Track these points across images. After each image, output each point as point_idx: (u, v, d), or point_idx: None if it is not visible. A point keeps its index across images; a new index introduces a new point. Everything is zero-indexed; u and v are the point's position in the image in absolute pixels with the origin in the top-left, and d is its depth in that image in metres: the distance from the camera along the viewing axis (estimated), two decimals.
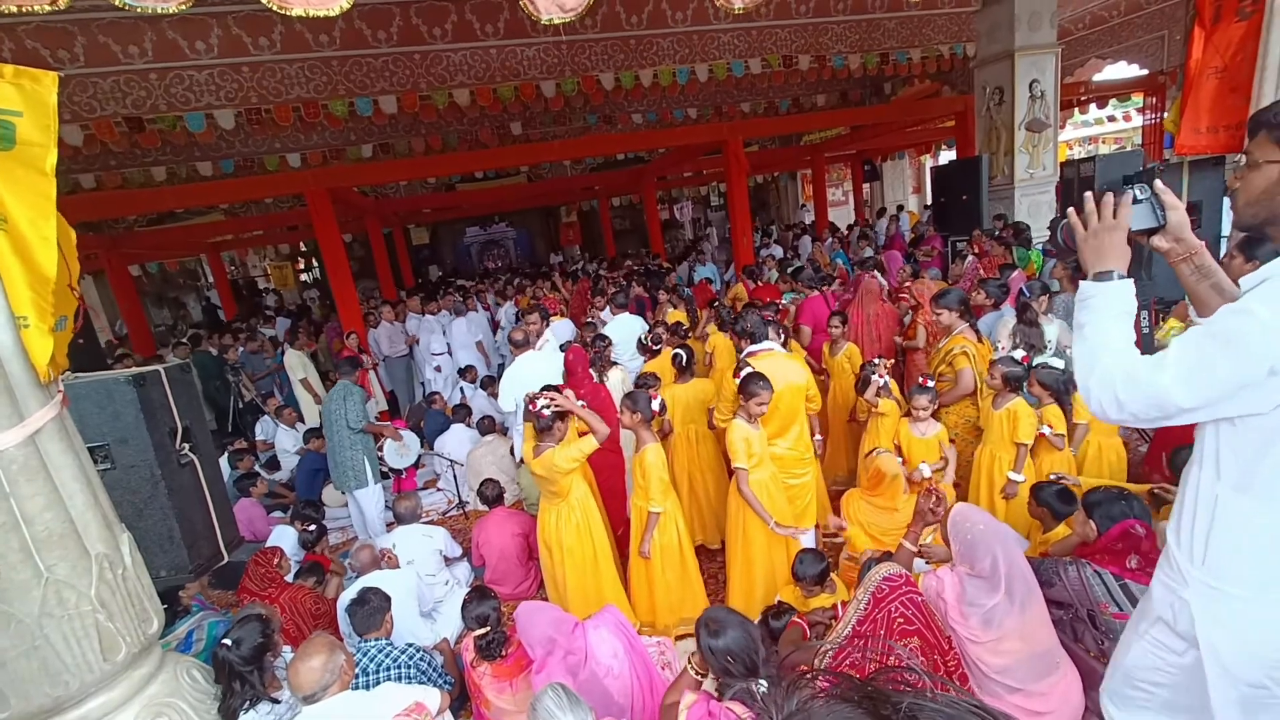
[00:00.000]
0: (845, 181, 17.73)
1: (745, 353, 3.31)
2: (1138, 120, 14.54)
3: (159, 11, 1.76)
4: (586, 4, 2.22)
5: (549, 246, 18.61)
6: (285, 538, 3.85)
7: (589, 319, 6.21)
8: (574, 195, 16.13)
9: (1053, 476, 2.82)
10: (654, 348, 4.38)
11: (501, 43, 7.07)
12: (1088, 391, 1.18)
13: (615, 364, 4.41)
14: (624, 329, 5.21)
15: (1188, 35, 4.27)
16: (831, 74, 8.92)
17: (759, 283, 7.10)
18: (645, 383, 3.74)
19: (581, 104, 8.68)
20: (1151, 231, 1.25)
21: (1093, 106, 13.31)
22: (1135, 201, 1.22)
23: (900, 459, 3.18)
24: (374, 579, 2.96)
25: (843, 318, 4.27)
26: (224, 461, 5.05)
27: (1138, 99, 12.69)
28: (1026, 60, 6.66)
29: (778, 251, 11.55)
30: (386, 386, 7.81)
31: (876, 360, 3.56)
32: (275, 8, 1.84)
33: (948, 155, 15.00)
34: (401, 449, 4.97)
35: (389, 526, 4.08)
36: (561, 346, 4.90)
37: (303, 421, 6.32)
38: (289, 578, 3.22)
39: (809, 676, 0.37)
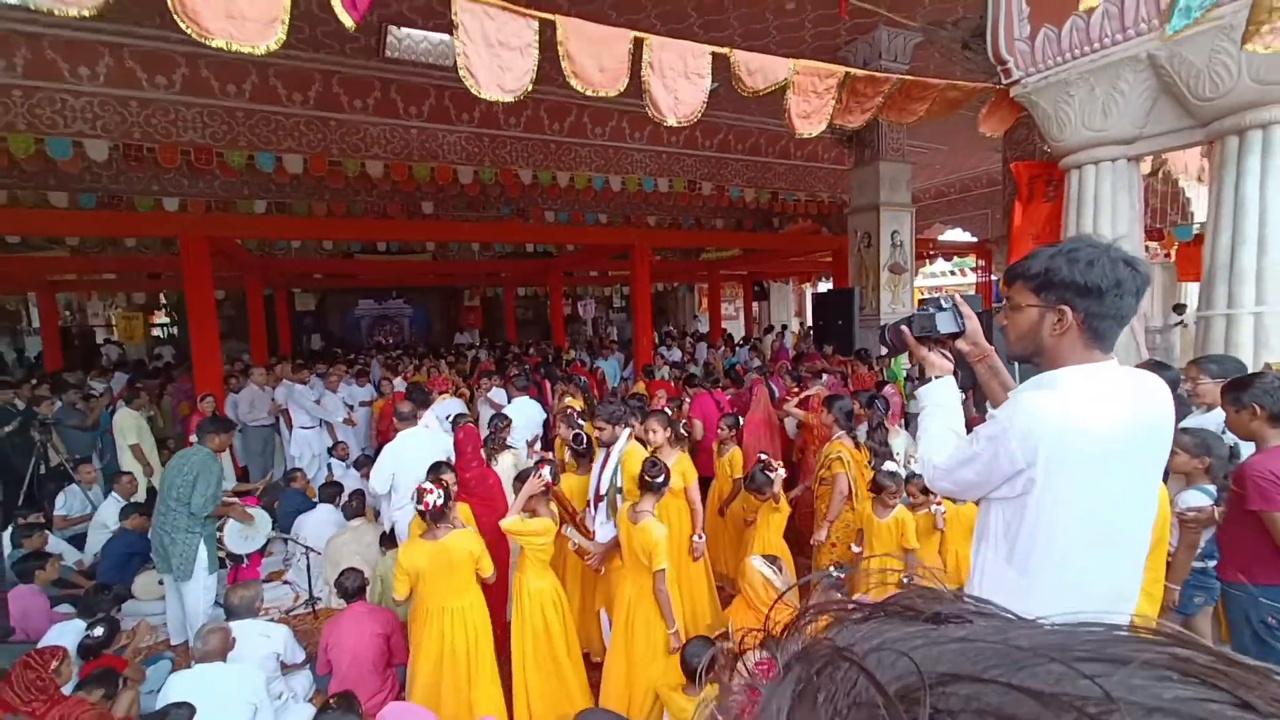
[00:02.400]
0: (738, 298, 19.21)
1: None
2: (972, 277, 17.41)
3: (60, 12, 1.62)
4: (525, 89, 2.34)
5: (447, 327, 18.13)
6: (70, 634, 3.09)
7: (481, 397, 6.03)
8: (479, 279, 16.09)
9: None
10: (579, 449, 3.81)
11: (423, 124, 7.22)
12: (921, 466, 1.45)
13: (509, 447, 4.22)
14: (523, 412, 5.07)
15: (1009, 207, 5.25)
16: (729, 202, 9.96)
17: (652, 380, 7.32)
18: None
19: (498, 194, 8.92)
20: (954, 335, 1.49)
21: (940, 260, 15.80)
22: (941, 309, 1.47)
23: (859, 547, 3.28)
24: (206, 674, 2.43)
25: (733, 421, 4.40)
26: (5, 538, 4.09)
27: (971, 259, 15.26)
28: (889, 213, 7.82)
29: (674, 355, 12.04)
30: (240, 460, 6.89)
31: (763, 455, 3.68)
32: (194, 35, 1.76)
33: (825, 285, 16.83)
34: (246, 531, 4.28)
35: None
36: (454, 423, 4.65)
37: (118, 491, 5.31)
38: (67, 688, 2.55)
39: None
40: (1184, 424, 2.88)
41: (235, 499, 4.81)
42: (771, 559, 2.75)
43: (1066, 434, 1.20)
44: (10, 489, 5.88)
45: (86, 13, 1.70)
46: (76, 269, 11.18)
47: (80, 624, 3.21)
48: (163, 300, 15.13)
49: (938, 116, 4.06)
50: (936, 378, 1.50)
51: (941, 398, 1.48)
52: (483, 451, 4.08)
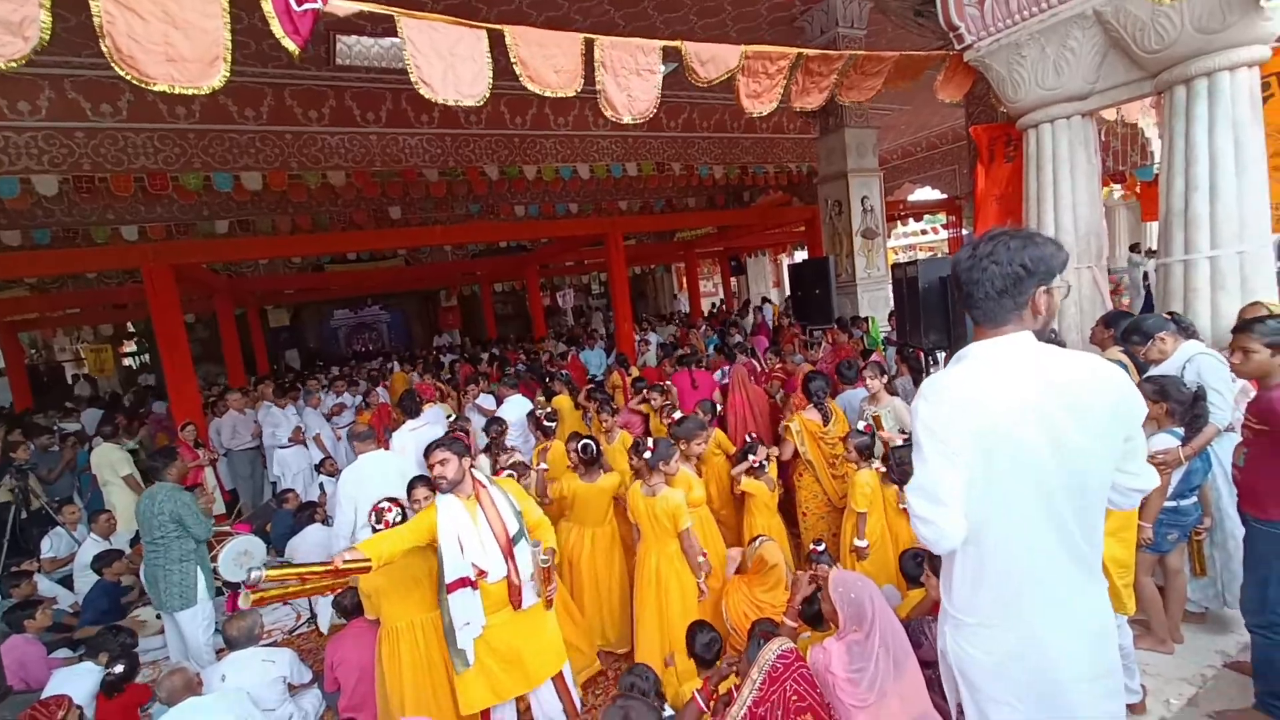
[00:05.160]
0: (715, 275, 19.24)
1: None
2: (944, 234, 17.58)
3: None
4: (483, 94, 2.32)
5: (426, 330, 17.97)
6: (73, 681, 3.08)
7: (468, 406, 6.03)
8: (455, 279, 15.93)
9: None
10: (548, 425, 4.11)
11: (383, 130, 7.08)
12: (916, 530, 1.45)
13: (510, 449, 4.25)
14: (517, 411, 5.14)
15: (973, 169, 5.32)
16: (699, 181, 9.91)
17: (631, 369, 7.34)
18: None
19: (465, 192, 8.80)
20: None
21: (911, 220, 15.91)
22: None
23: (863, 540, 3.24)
24: (190, 709, 2.45)
25: (708, 406, 4.34)
26: None
27: (942, 216, 15.39)
28: (857, 180, 7.85)
29: (653, 338, 12.08)
30: (227, 484, 6.82)
31: (752, 435, 3.75)
32: (134, 81, 1.72)
33: (801, 255, 16.91)
34: (241, 558, 4.28)
35: (219, 654, 3.41)
36: (449, 430, 4.67)
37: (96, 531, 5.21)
38: None
39: None
40: (1149, 372, 2.98)
41: (225, 527, 4.79)
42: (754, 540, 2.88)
43: (964, 401, 1.34)
44: None
45: (14, 64, 1.65)
46: (38, 307, 10.90)
47: (86, 666, 3.20)
48: (131, 329, 14.80)
49: (896, 86, 4.08)
50: None
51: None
52: (484, 456, 4.11)
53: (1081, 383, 1.33)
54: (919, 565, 2.73)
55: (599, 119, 8.23)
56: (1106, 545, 2.36)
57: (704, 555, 3.01)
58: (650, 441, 3.07)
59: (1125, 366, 3.22)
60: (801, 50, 3.29)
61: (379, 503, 2.92)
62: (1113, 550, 2.50)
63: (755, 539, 3.11)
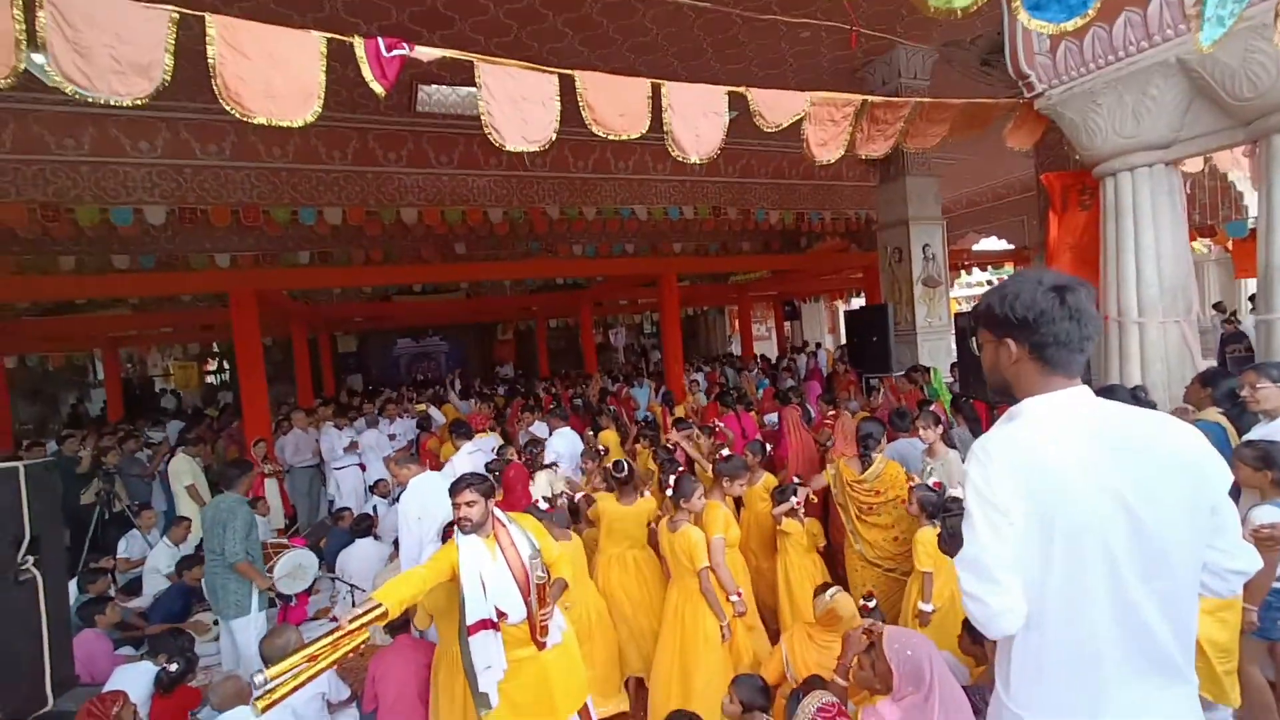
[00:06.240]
0: (769, 319, 19.09)
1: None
2: None
3: (114, 103, 1.78)
4: (549, 139, 2.43)
5: (483, 362, 18.52)
6: (132, 679, 3.20)
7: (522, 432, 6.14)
8: (511, 314, 16.45)
9: None
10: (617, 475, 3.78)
11: (454, 171, 7.51)
12: (965, 607, 1.28)
13: (546, 466, 4.30)
14: (566, 443, 5.23)
15: (1044, 218, 5.13)
16: (755, 225, 9.97)
17: (674, 407, 7.30)
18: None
19: (526, 231, 9.15)
20: None
21: (976, 270, 15.41)
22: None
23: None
24: (234, 718, 2.49)
25: (758, 447, 4.25)
26: (73, 585, 4.30)
27: (1009, 267, 14.85)
28: (919, 228, 7.70)
29: (701, 379, 11.99)
30: (291, 500, 7.12)
31: (797, 479, 3.63)
32: (238, 115, 1.90)
33: (858, 302, 16.60)
34: (296, 571, 4.41)
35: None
36: (489, 466, 4.73)
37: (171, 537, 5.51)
38: None
39: None
40: (1249, 435, 2.73)
41: (283, 540, 4.96)
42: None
43: (1021, 467, 1.19)
44: (77, 536, 6.20)
45: (139, 101, 1.86)
46: (137, 325, 11.91)
47: (145, 665, 3.32)
48: (215, 348, 15.90)
49: (963, 134, 4.02)
50: None
51: None
52: (543, 474, 4.17)
53: (1151, 443, 1.19)
54: (977, 638, 2.53)
55: (659, 163, 8.46)
56: (1204, 625, 2.13)
57: (739, 595, 2.95)
58: (672, 479, 3.09)
59: (1224, 430, 2.95)
60: (866, 97, 3.30)
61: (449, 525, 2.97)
62: (1210, 632, 2.26)
63: (827, 588, 2.93)
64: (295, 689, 1.87)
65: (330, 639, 2.00)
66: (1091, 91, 3.63)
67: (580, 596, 3.16)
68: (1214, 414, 3.05)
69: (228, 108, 1.87)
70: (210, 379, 16.73)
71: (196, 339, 14.40)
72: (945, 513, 1.50)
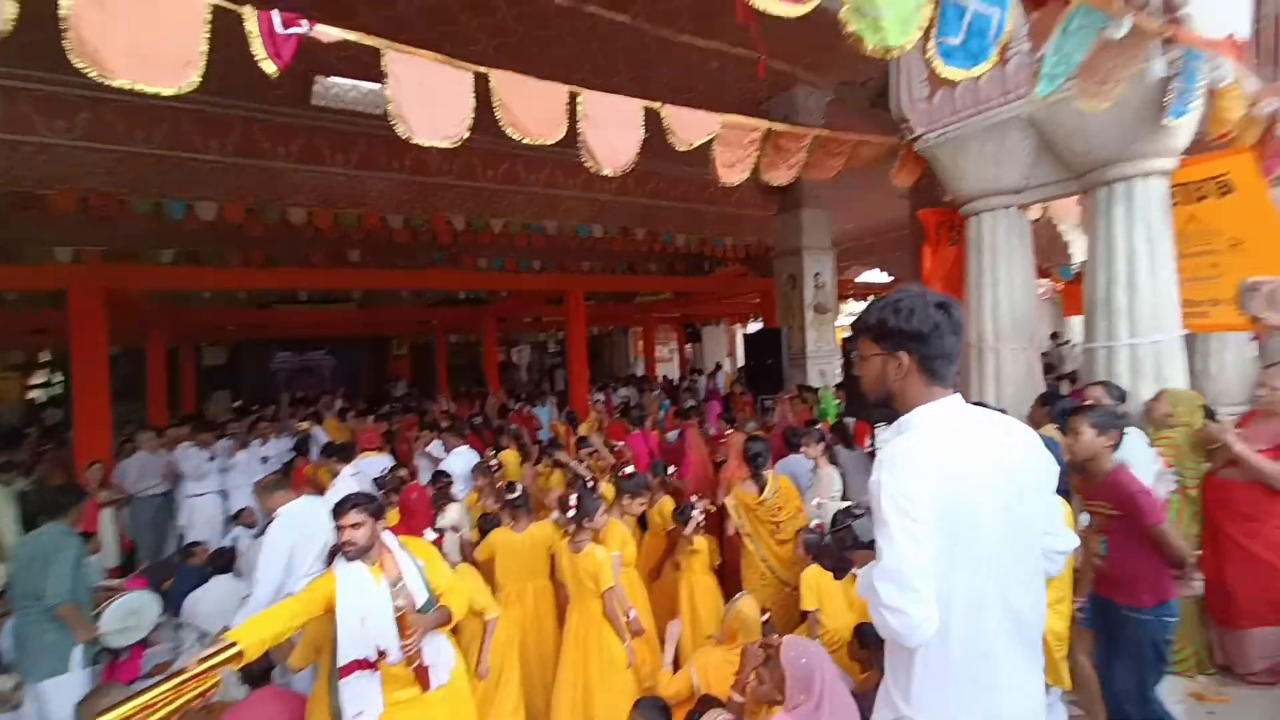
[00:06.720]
0: (671, 341, 19.56)
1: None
2: None
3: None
4: (462, 136, 2.34)
5: (375, 378, 17.39)
6: None
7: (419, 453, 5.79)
8: (408, 328, 15.63)
9: None
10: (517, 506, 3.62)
11: (351, 171, 7.06)
12: (884, 621, 1.28)
13: (453, 500, 4.06)
14: (462, 463, 4.96)
15: (918, 252, 5.67)
16: (661, 248, 10.22)
17: (577, 426, 7.26)
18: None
19: (429, 239, 8.77)
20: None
21: (859, 301, 16.80)
22: (858, 516, 1.54)
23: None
24: None
25: (660, 467, 4.29)
26: None
27: None
28: (811, 256, 8.27)
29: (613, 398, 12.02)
30: (129, 533, 6.16)
31: (695, 497, 3.70)
32: (96, 76, 1.66)
33: (756, 325, 17.45)
34: (128, 619, 3.61)
35: None
36: (378, 482, 4.41)
37: None
38: None
39: None
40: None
41: (116, 581, 4.24)
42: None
43: (929, 474, 1.25)
44: None
45: None
46: None
47: None
48: (44, 357, 13.74)
49: (856, 168, 4.38)
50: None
51: (864, 579, 1.41)
52: (454, 507, 3.92)
53: (1018, 445, 1.33)
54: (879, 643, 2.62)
55: (570, 179, 8.47)
56: (1048, 617, 2.37)
57: (633, 612, 2.91)
58: (573, 498, 3.01)
59: (1056, 444, 3.36)
60: (772, 125, 3.51)
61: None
62: (1051, 623, 2.51)
63: (736, 598, 2.93)
64: None
65: (172, 684, 1.72)
66: (961, 138, 4.09)
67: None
68: (1051, 430, 3.47)
69: (81, 65, 1.62)
70: (34, 394, 14.40)
71: (20, 345, 12.37)
72: (849, 516, 1.55)
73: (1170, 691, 2.86)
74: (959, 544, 1.23)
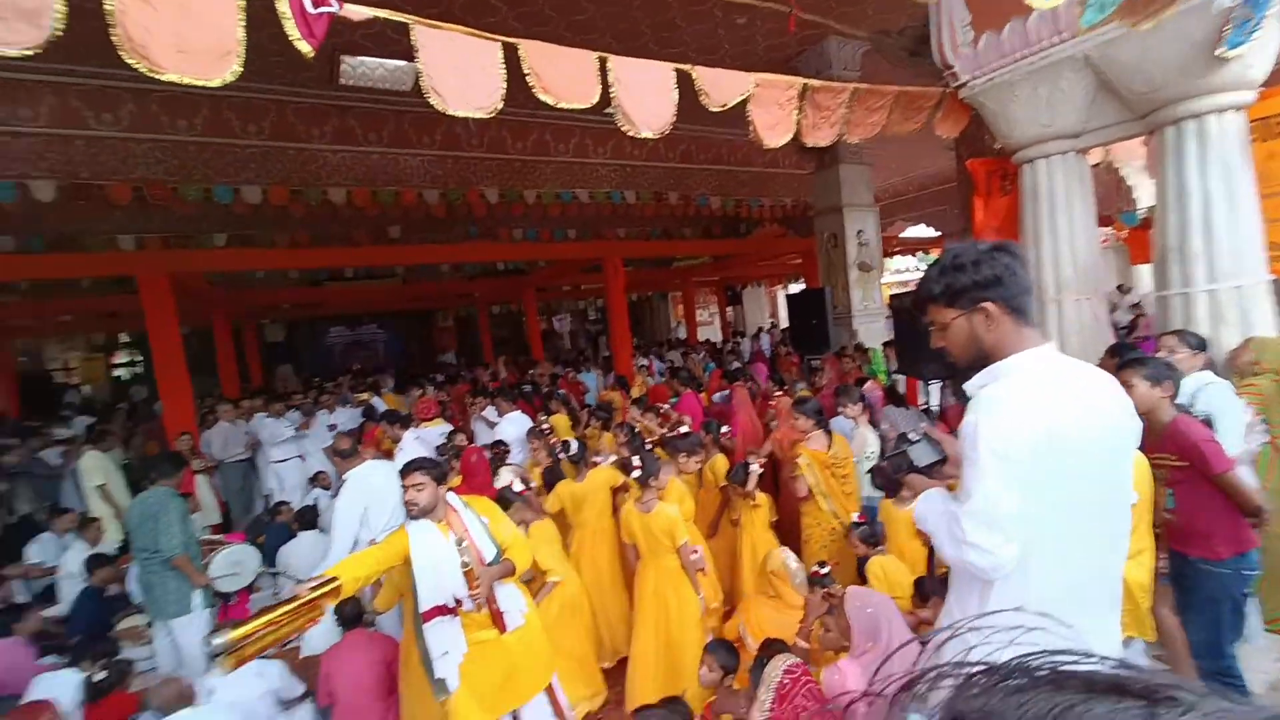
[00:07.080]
0: (712, 304, 19.38)
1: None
2: None
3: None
4: (495, 106, 2.34)
5: (423, 350, 17.92)
6: (59, 686, 2.95)
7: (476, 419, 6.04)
8: (452, 300, 15.95)
9: None
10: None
11: (384, 150, 7.15)
12: (964, 557, 1.30)
13: (509, 465, 4.25)
14: (516, 427, 5.17)
15: (966, 205, 5.41)
16: (696, 211, 10.05)
17: (628, 391, 7.32)
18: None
19: (465, 214, 8.86)
20: (939, 462, 1.53)
21: (906, 257, 16.18)
22: (910, 443, 1.54)
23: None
24: None
25: (715, 426, 4.35)
26: None
27: (936, 253, 15.67)
28: (852, 214, 7.98)
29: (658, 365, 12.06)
30: (223, 496, 6.70)
31: (751, 453, 3.72)
32: (145, 70, 1.72)
33: (797, 287, 17.09)
34: (234, 569, 4.16)
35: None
36: (440, 449, 4.62)
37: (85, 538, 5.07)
38: None
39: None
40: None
41: (218, 536, 4.69)
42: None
43: (1027, 420, 1.23)
44: None
45: (27, 53, 1.65)
46: (29, 314, 10.81)
47: (69, 673, 3.08)
48: (124, 339, 14.66)
49: (899, 129, 4.17)
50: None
51: (931, 509, 1.45)
52: (507, 470, 4.09)
53: (1111, 397, 1.31)
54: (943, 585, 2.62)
55: (598, 146, 8.37)
56: (1130, 569, 2.33)
57: (699, 549, 3.04)
58: (636, 459, 3.07)
59: None
60: (807, 81, 3.37)
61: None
62: (1137, 574, 2.46)
63: (770, 553, 3.03)
64: (260, 649, 1.84)
65: (289, 608, 1.94)
66: (1010, 83, 3.84)
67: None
68: None
69: (131, 61, 1.69)
70: (119, 372, 15.41)
71: (101, 329, 13.22)
72: (905, 441, 1.55)
73: (1268, 649, 2.79)
74: (1050, 489, 1.24)
